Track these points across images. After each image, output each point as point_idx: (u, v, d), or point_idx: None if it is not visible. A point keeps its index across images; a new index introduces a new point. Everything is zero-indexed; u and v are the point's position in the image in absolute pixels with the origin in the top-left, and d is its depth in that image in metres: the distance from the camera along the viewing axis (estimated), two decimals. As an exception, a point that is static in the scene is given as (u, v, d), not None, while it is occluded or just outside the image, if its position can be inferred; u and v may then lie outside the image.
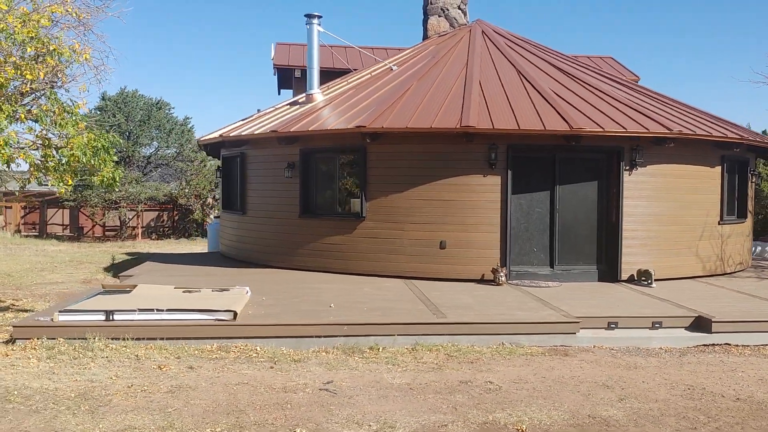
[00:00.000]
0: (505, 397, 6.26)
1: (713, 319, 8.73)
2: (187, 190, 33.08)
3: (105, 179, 8.67)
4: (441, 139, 11.43)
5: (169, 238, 32.48)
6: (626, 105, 12.16)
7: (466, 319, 8.51)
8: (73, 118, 8.61)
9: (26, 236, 29.69)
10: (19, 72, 8.02)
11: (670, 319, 9.00)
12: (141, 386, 6.25)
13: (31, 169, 8.65)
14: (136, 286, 9.80)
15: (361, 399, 6.08)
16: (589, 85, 13.21)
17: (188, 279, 11.49)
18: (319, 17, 13.94)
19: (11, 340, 7.85)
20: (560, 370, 7.27)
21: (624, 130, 11.05)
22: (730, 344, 8.69)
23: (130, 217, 32.81)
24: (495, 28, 16.34)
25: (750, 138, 12.64)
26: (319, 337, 8.07)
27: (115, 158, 8.89)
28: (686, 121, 12.17)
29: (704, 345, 8.66)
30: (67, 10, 7.91)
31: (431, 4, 16.82)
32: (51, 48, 7.81)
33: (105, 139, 8.51)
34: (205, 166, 32.99)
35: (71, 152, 8.22)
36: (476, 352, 7.93)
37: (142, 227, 32.83)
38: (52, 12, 7.77)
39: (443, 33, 16.68)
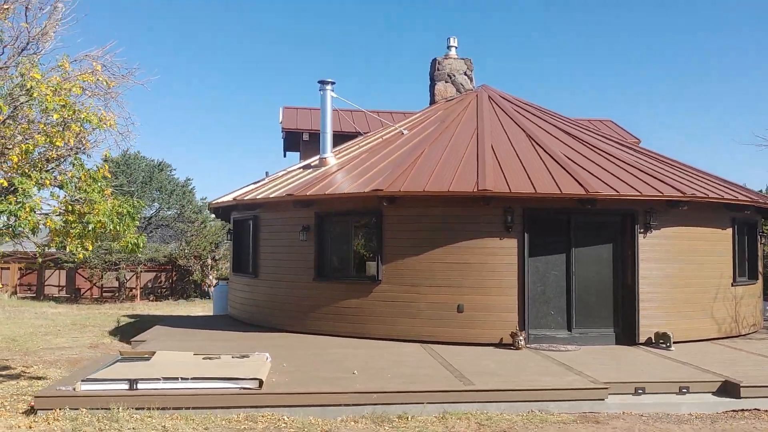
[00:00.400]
0: (547, 468, 6.13)
1: (741, 384, 8.66)
2: (186, 251, 32.98)
3: (129, 245, 8.67)
4: (457, 202, 11.53)
5: (167, 299, 32.21)
6: (637, 168, 12.35)
7: (494, 386, 8.40)
8: (98, 184, 8.67)
9: (23, 298, 29.35)
10: (49, 140, 8.10)
11: (697, 384, 8.91)
12: (175, 460, 6.10)
13: (52, 234, 8.64)
14: (154, 352, 9.65)
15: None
16: (597, 148, 13.44)
17: (203, 344, 11.34)
18: (332, 83, 14.24)
19: (32, 411, 7.67)
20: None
21: (639, 194, 11.18)
22: (759, 409, 8.59)
23: (128, 277, 32.61)
24: (500, 93, 16.72)
25: (760, 200, 12.81)
26: (347, 405, 7.94)
27: (138, 223, 8.91)
28: (697, 184, 12.34)
29: (733, 410, 8.56)
30: (98, 79, 8.05)
31: (438, 70, 17.22)
32: (82, 116, 7.92)
33: (129, 205, 8.54)
34: (205, 227, 33.00)
35: (97, 218, 8.22)
36: (507, 420, 7.81)
37: (141, 288, 32.58)
38: (83, 80, 7.90)
39: (450, 98, 17.03)
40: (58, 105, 7.75)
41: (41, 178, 8.15)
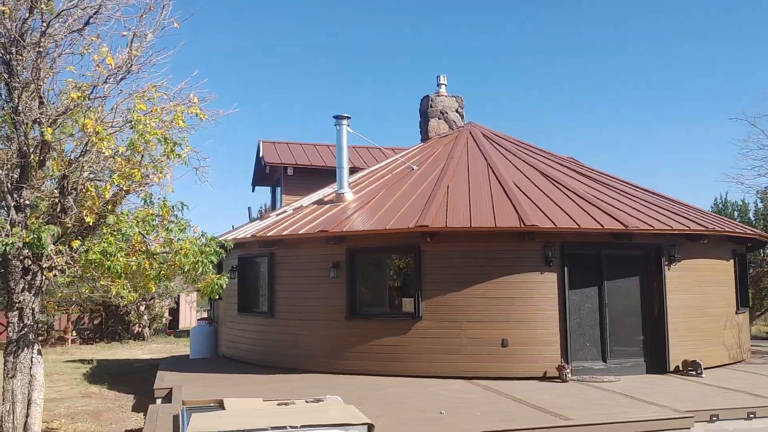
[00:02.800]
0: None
1: (803, 408, 9.20)
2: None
3: (213, 287, 8.14)
4: (499, 237, 11.68)
5: (98, 342, 30.30)
6: (655, 204, 13.02)
7: (592, 421, 8.48)
8: (180, 222, 8.17)
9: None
10: (138, 175, 7.58)
11: (762, 409, 9.39)
12: None
13: (111, 276, 8.01)
14: (221, 401, 9.07)
15: None
16: (606, 184, 14.05)
17: (237, 389, 10.73)
18: (348, 118, 14.14)
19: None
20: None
21: (670, 228, 11.77)
22: (819, 430, 9.15)
23: (54, 317, 30.42)
24: (490, 130, 17.20)
25: (755, 234, 13.79)
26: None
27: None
28: (707, 220, 13.14)
29: (799, 434, 9.08)
30: (197, 113, 7.61)
31: (431, 107, 17.48)
32: (181, 154, 7.48)
33: (215, 243, 8.07)
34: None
35: (188, 259, 7.71)
36: (618, 453, 7.90)
37: (74, 331, 30.46)
38: (186, 113, 7.45)
39: (443, 134, 17.29)
40: (159, 137, 7.29)
41: (126, 215, 7.59)
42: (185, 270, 7.87)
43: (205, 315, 32.02)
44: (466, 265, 11.78)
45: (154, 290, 8.37)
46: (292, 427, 7.57)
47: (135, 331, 32.17)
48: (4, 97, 7.22)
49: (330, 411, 8.39)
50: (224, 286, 8.26)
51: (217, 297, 8.48)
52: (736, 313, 13.59)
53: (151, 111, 7.22)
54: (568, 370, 11.28)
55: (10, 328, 7.49)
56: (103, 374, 16.70)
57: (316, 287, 12.72)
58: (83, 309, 32.13)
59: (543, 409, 9.01)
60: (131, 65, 7.37)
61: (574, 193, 12.91)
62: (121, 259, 7.19)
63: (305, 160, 18.99)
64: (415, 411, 8.98)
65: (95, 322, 33.02)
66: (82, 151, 7.36)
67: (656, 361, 12.18)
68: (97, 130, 6.93)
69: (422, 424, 8.25)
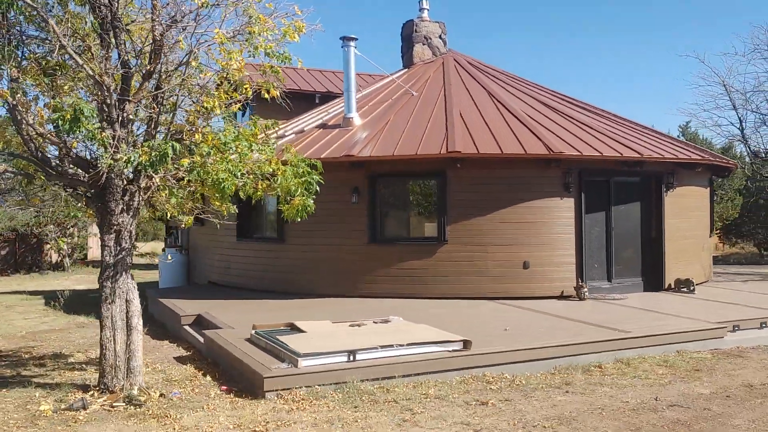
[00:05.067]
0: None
1: (808, 316, 10.40)
2: (43, 219, 29.30)
3: (299, 209, 7.91)
4: (523, 164, 12.03)
5: (12, 274, 28.53)
6: (655, 136, 13.82)
7: (644, 333, 9.17)
8: (272, 141, 7.89)
9: None
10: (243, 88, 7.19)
11: (770, 319, 10.52)
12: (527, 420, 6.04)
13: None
14: (292, 325, 9.02)
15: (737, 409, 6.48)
16: (609, 118, 14.71)
17: (280, 314, 10.63)
18: (355, 39, 13.77)
19: (256, 394, 6.91)
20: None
21: (675, 157, 12.58)
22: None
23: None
24: (476, 60, 17.32)
25: (734, 164, 15.00)
26: (540, 359, 8.21)
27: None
28: (698, 151, 14.12)
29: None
30: (298, 27, 7.18)
31: (416, 32, 17.26)
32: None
33: (305, 162, 7.82)
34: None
35: (285, 182, 7.47)
36: (686, 360, 8.61)
37: (-2, 261, 28.45)
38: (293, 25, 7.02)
39: (428, 60, 17.22)
40: (273, 52, 6.92)
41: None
42: (288, 191, 7.60)
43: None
44: (490, 190, 12.08)
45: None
46: (399, 345, 7.71)
47: (51, 262, 30.55)
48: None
49: (419, 330, 8.58)
50: (310, 209, 8.05)
51: (299, 219, 8.23)
52: (709, 237, 14.86)
53: (265, 23, 6.79)
54: (585, 289, 12.02)
55: (106, 252, 7.04)
56: (68, 304, 15.93)
57: (333, 212, 12.60)
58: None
59: (596, 324, 9.61)
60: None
61: (583, 124, 13.41)
62: (235, 180, 6.90)
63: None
64: (481, 328, 9.33)
65: (2, 252, 30.93)
66: (184, 59, 6.82)
67: (653, 280, 13.19)
68: (221, 41, 6.47)
69: (506, 339, 8.60)
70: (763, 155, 20.89)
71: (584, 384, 7.47)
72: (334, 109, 15.22)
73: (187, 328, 10.96)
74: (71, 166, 7.03)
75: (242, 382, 7.47)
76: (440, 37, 17.57)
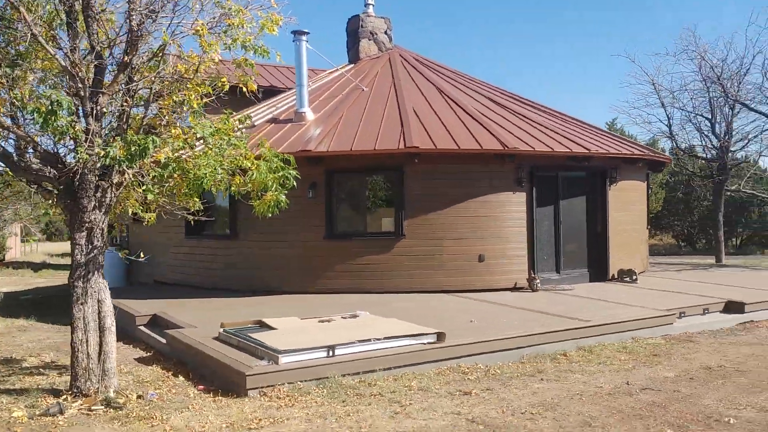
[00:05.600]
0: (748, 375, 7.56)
1: (745, 302, 11.09)
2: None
3: (271, 204, 7.81)
4: (477, 159, 12.27)
5: None
6: (599, 132, 14.37)
7: (603, 321, 9.55)
8: (245, 135, 7.77)
9: None
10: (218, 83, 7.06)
11: (714, 305, 11.14)
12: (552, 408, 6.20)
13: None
14: (261, 322, 8.90)
15: (703, 390, 6.85)
16: (553, 114, 15.16)
17: (228, 312, 10.49)
18: (307, 33, 13.67)
19: (239, 392, 6.81)
20: (728, 351, 8.78)
21: (620, 152, 13.13)
22: (753, 321, 11.09)
23: None
24: (421, 56, 17.53)
25: (669, 159, 15.78)
26: (510, 349, 8.43)
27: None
28: (636, 146, 14.77)
29: (742, 323, 10.93)
30: (274, 19, 7.06)
31: (362, 27, 17.28)
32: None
33: (278, 158, 7.74)
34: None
35: (260, 177, 7.38)
36: (643, 346, 9.03)
37: None
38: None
39: (374, 56, 17.28)
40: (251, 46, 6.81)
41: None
42: (264, 186, 7.51)
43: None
44: (446, 185, 12.27)
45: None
46: (376, 339, 7.76)
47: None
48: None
49: (390, 324, 8.65)
50: (283, 204, 7.96)
51: (269, 215, 8.10)
52: (647, 229, 15.59)
53: (244, 14, 6.67)
54: (538, 281, 12.40)
55: (77, 251, 6.75)
56: (10, 306, 15.17)
57: (292, 208, 12.44)
58: None
59: (556, 315, 9.93)
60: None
61: (533, 121, 13.81)
62: (216, 175, 6.78)
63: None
64: (448, 321, 9.46)
65: None
66: (159, 50, 6.62)
67: (598, 271, 13.74)
68: (202, 33, 6.32)
69: (473, 330, 8.77)
70: (683, 151, 22.03)
71: (555, 371, 7.73)
72: (283, 104, 15.09)
73: (142, 328, 10.64)
74: (35, 161, 6.70)
75: (218, 381, 7.33)
76: (386, 32, 17.66)
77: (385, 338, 7.82)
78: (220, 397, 6.77)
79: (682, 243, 32.66)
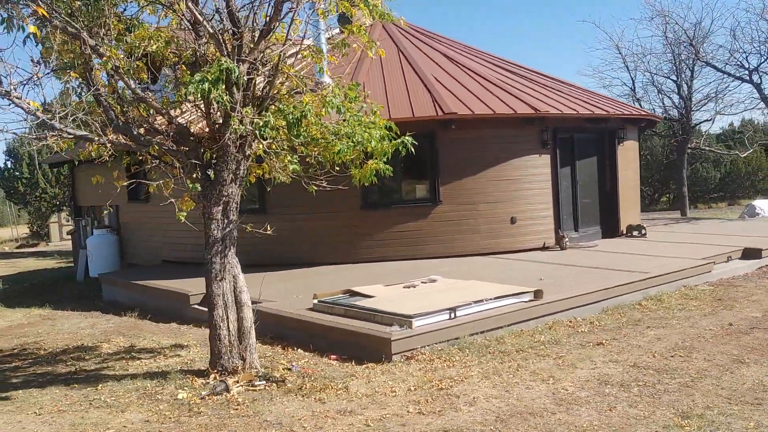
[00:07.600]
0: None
1: (762, 248, 12.00)
2: None
3: (370, 173, 7.75)
4: (506, 124, 12.54)
5: None
6: (604, 97, 14.91)
7: (659, 272, 10.12)
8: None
9: None
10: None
11: (734, 252, 11.99)
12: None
13: None
14: (351, 291, 8.90)
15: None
16: (559, 81, 15.62)
17: (291, 284, 10.45)
18: (322, 2, 13.39)
19: (381, 359, 6.86)
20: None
21: (631, 114, 13.77)
22: (770, 265, 12.03)
23: None
24: (410, 24, 17.53)
25: (660, 117, 16.63)
26: (593, 303, 8.86)
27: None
28: (631, 107, 15.47)
29: (760, 268, 11.83)
30: None
31: (353, -6, 17.05)
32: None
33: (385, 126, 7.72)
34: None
35: (382, 146, 7.40)
36: (699, 292, 9.67)
37: None
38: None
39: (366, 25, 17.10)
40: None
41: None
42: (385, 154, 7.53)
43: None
44: (480, 150, 12.49)
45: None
46: (487, 299, 7.98)
47: None
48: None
49: (478, 285, 8.86)
50: (386, 172, 7.94)
51: (369, 183, 8.03)
52: (640, 185, 16.45)
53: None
54: (566, 240, 12.91)
55: (213, 225, 6.55)
56: (21, 295, 14.48)
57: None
58: None
59: (612, 269, 10.41)
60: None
61: (548, 87, 14.22)
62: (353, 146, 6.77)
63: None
64: (517, 280, 9.76)
65: None
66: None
67: (610, 227, 14.41)
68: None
69: (552, 287, 9.09)
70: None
71: (649, 319, 8.20)
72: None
73: (197, 306, 10.38)
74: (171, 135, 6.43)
75: (349, 350, 7.33)
76: (376, 0, 17.49)
77: (495, 298, 8.04)
78: (363, 365, 6.79)
79: (645, 200, 34.50)
